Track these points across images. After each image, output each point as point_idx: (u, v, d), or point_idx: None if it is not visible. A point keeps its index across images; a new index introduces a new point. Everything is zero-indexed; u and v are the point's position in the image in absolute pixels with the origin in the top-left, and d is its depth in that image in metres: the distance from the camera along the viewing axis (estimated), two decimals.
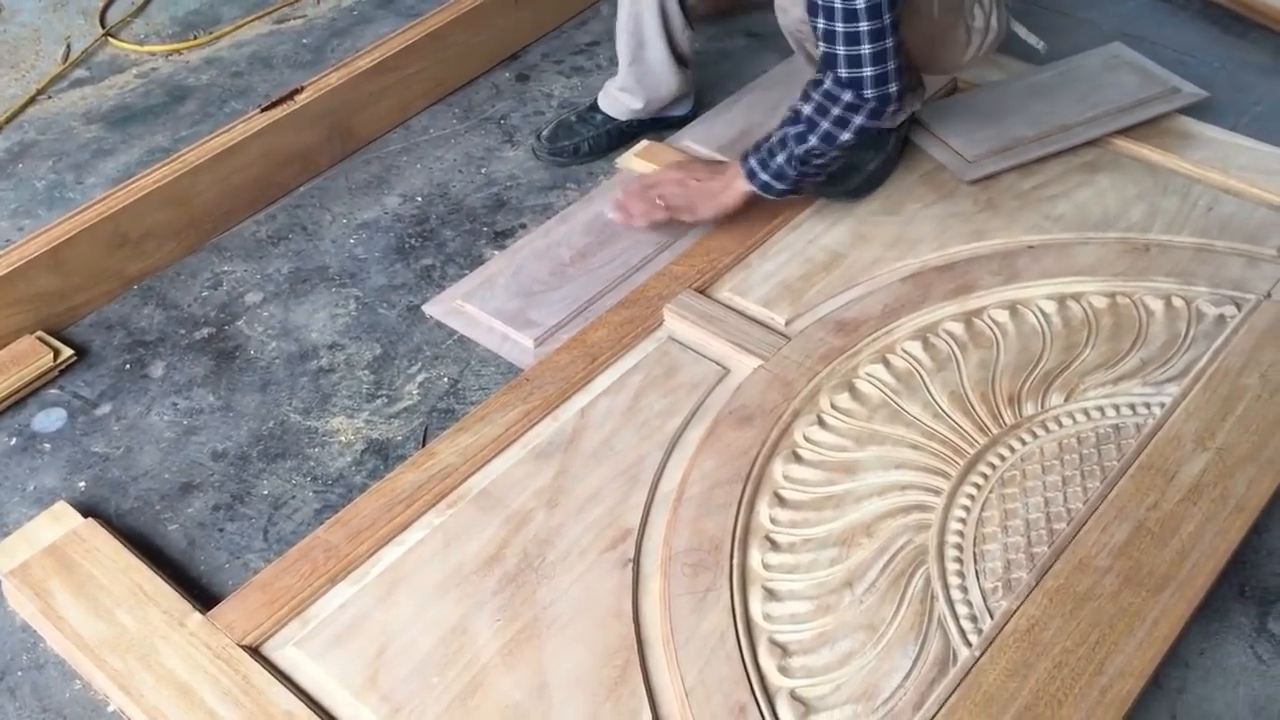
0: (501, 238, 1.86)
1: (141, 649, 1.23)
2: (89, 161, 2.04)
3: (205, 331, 1.72)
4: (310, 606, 1.29)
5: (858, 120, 1.56)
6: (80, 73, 2.27)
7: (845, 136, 1.57)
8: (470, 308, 1.69)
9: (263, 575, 1.31)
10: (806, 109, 1.58)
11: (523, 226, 1.88)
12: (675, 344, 1.58)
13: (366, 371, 1.64)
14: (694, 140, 1.98)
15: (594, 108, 2.01)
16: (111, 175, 2.00)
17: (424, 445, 1.51)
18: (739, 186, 1.68)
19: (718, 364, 1.54)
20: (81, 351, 1.67)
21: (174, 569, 1.39)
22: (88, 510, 1.43)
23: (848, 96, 1.53)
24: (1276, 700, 1.24)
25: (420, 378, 1.63)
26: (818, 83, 1.57)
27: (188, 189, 1.78)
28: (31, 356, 1.61)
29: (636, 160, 1.94)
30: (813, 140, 1.58)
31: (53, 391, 1.62)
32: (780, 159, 1.62)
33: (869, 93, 1.53)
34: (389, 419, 1.58)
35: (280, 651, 1.25)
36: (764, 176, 1.64)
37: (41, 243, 1.65)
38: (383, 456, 1.53)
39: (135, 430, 1.57)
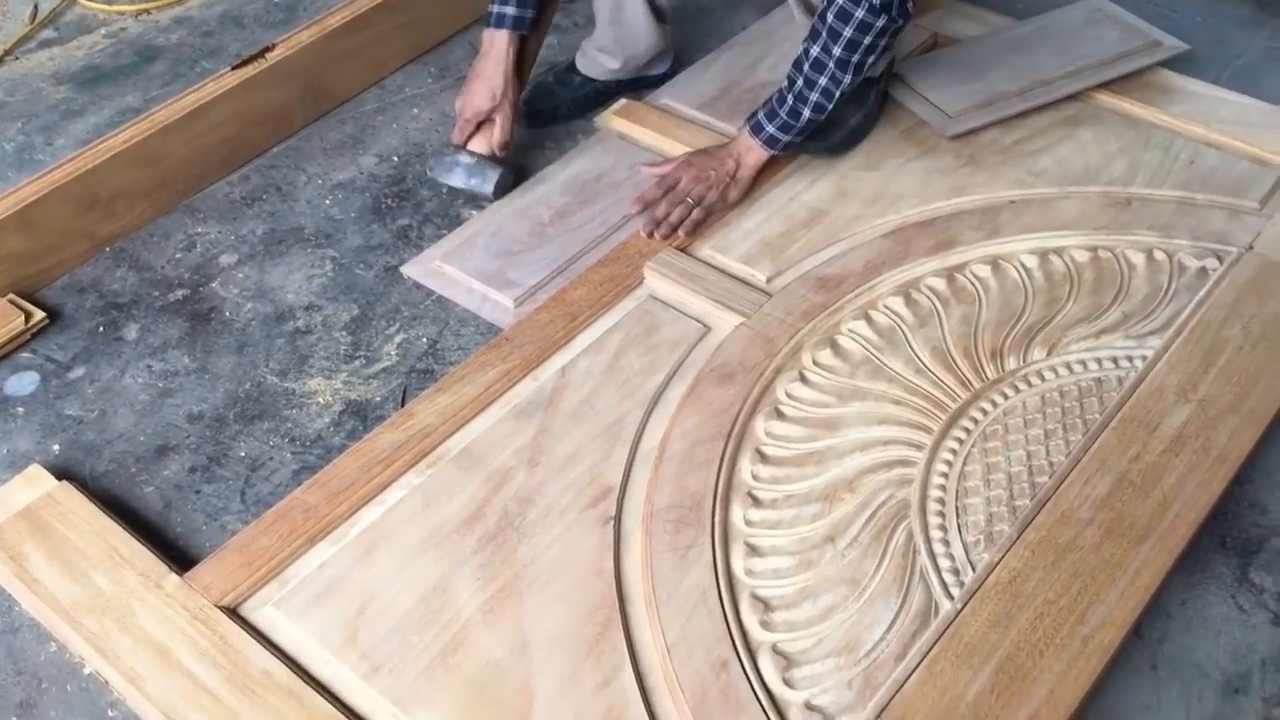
0: (479, 198, 1.84)
1: (118, 611, 1.22)
2: (58, 123, 2.01)
3: (179, 293, 1.69)
4: (289, 567, 1.27)
5: (879, 22, 1.52)
6: (48, 33, 2.23)
7: (868, 41, 1.54)
8: (449, 268, 1.68)
9: (240, 536, 1.30)
10: (815, 47, 1.57)
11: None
12: (656, 302, 1.56)
13: (344, 333, 1.63)
14: (673, 99, 1.95)
15: (571, 68, 1.99)
16: (81, 136, 1.96)
17: (403, 406, 1.50)
18: (755, 159, 1.67)
19: (699, 322, 1.53)
20: (54, 314, 1.64)
21: (150, 531, 1.37)
22: (62, 473, 1.41)
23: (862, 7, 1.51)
24: (1257, 649, 1.25)
25: (399, 338, 1.61)
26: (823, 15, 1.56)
27: (158, 149, 1.75)
28: (3, 320, 1.58)
29: (615, 119, 1.91)
30: (832, 65, 1.56)
31: (25, 355, 1.60)
32: (790, 109, 1.61)
33: None
34: (367, 380, 1.56)
35: (258, 612, 1.24)
36: (786, 138, 1.64)
37: (10, 204, 1.62)
38: (361, 417, 1.51)
39: (109, 393, 1.55)
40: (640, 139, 1.89)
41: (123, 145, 1.71)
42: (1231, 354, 1.44)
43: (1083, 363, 1.46)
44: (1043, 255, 1.60)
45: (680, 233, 1.64)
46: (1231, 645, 1.25)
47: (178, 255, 1.75)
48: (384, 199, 1.83)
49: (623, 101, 1.96)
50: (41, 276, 1.68)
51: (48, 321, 1.63)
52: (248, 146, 1.89)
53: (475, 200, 1.80)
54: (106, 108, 2.03)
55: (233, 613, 1.23)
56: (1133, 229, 1.63)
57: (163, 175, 1.78)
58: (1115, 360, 1.46)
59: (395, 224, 1.79)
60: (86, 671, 1.25)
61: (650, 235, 1.64)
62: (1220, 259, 1.58)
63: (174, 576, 1.25)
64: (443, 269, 1.68)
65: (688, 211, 1.65)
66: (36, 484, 1.37)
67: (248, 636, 1.19)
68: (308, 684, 1.15)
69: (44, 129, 1.99)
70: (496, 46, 1.74)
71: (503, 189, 1.78)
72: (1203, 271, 1.57)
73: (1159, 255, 1.59)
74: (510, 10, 1.72)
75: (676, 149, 1.85)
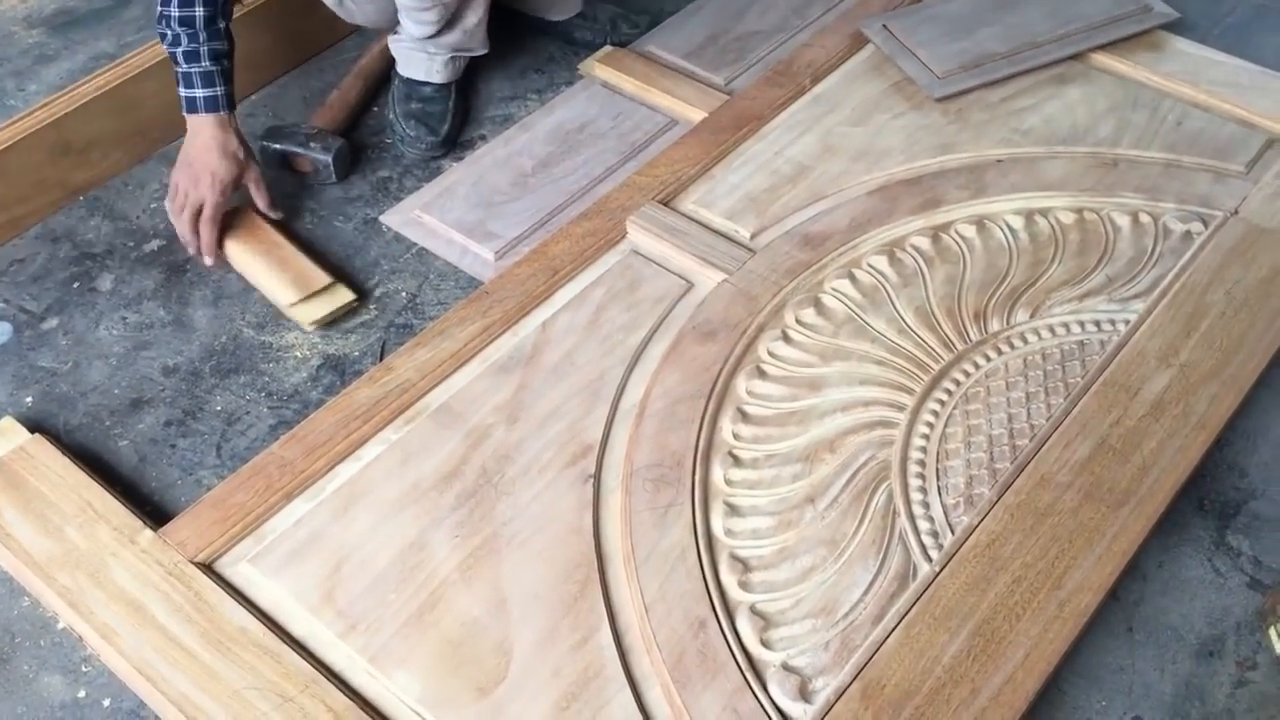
0: (461, 149, 1.81)
1: (91, 566, 1.21)
2: (30, 68, 1.96)
3: (155, 244, 1.66)
4: (265, 523, 1.26)
5: None
6: None
7: None
8: (429, 218, 1.65)
9: (216, 492, 1.28)
10: None
11: (482, 138, 1.83)
12: (638, 257, 1.55)
13: None
14: (659, 47, 1.94)
15: None
16: (54, 82, 1.92)
17: (381, 360, 1.48)
18: None
19: (681, 278, 1.52)
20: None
21: (124, 486, 1.36)
22: (35, 426, 1.39)
23: None
24: (1232, 612, 1.26)
25: (377, 292, 1.60)
26: None
27: (133, 95, 1.71)
28: (332, 297, 1.56)
29: (600, 67, 1.89)
30: None
31: None
32: None
33: None
34: (345, 334, 1.54)
35: (234, 568, 1.23)
36: None
37: None
38: (339, 372, 1.50)
39: (83, 345, 1.53)
40: (624, 88, 1.86)
41: (96, 92, 1.67)
42: (1214, 319, 1.44)
43: (1066, 325, 1.45)
44: (1028, 216, 1.59)
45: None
46: (1207, 608, 1.26)
47: (153, 205, 1.72)
48: (364, 150, 1.80)
49: (607, 49, 1.93)
50: (13, 225, 1.65)
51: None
52: None
53: (318, 174, 1.75)
54: (80, 53, 1.99)
55: (208, 569, 1.22)
56: (1119, 191, 1.62)
57: (137, 123, 1.74)
58: (1098, 324, 1.45)
59: (375, 175, 1.76)
60: (60, 626, 1.24)
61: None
62: (1205, 223, 1.57)
63: (148, 532, 1.24)
64: (422, 219, 1.66)
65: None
66: (9, 436, 1.35)
67: (223, 593, 1.18)
68: (284, 641, 1.15)
69: (15, 74, 1.95)
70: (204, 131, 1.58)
71: (341, 161, 1.74)
72: (1187, 235, 1.56)
73: (1144, 218, 1.58)
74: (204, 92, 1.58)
75: (661, 98, 1.83)
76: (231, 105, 1.59)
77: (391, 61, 1.85)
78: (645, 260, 1.54)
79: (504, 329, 1.45)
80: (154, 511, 1.33)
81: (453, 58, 1.80)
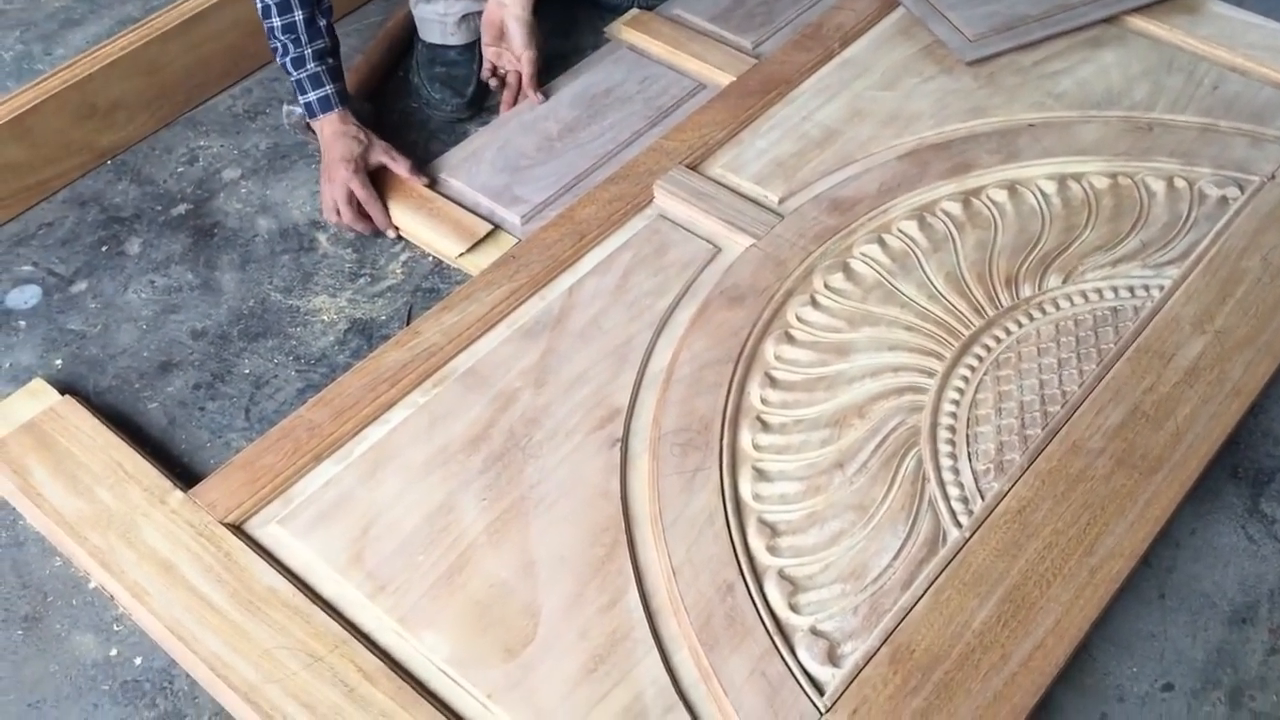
0: (486, 113, 1.80)
1: (122, 526, 1.21)
2: (57, 32, 1.96)
3: (182, 208, 1.67)
4: (293, 485, 1.27)
5: None
6: None
7: None
8: (455, 182, 1.64)
9: (245, 454, 1.29)
10: None
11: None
12: (665, 222, 1.54)
13: (349, 250, 1.60)
14: (685, 10, 1.91)
15: None
16: (80, 46, 1.92)
17: (408, 324, 1.48)
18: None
19: (709, 242, 1.51)
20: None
21: (154, 447, 1.37)
22: (65, 388, 1.40)
23: None
24: (1265, 579, 1.24)
25: (404, 256, 1.59)
26: None
27: (156, 57, 1.71)
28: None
29: (626, 30, 1.87)
30: None
31: (26, 268, 1.58)
32: None
33: None
34: (372, 298, 1.54)
35: (263, 529, 1.23)
36: None
37: (5, 111, 1.58)
38: (366, 336, 1.50)
39: (112, 308, 1.53)
40: (651, 51, 1.85)
41: (119, 53, 1.67)
42: (1250, 285, 1.42)
43: (1099, 291, 1.43)
44: (1061, 181, 1.57)
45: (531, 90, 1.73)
46: (1240, 575, 1.25)
47: (180, 169, 1.72)
48: (389, 115, 1.80)
49: (634, 12, 1.91)
50: (41, 189, 1.65)
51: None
52: (249, 57, 1.84)
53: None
54: (106, 17, 1.98)
55: (238, 530, 1.22)
56: (1153, 155, 1.59)
57: (162, 85, 1.74)
58: (1132, 289, 1.44)
59: (400, 140, 1.75)
60: (91, 585, 1.25)
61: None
62: (1242, 188, 1.55)
63: (178, 493, 1.24)
64: (448, 183, 1.65)
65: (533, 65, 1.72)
66: (39, 398, 1.36)
67: (253, 554, 1.19)
68: (313, 602, 1.15)
69: (43, 38, 1.95)
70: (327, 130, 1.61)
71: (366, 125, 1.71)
72: (1223, 200, 1.54)
73: (1179, 183, 1.56)
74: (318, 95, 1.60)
75: (688, 62, 1.81)
76: (344, 101, 1.61)
77: (415, 25, 1.84)
78: (672, 225, 1.53)
79: (531, 293, 1.45)
80: (183, 473, 1.33)
81: (465, 17, 1.78)
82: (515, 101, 1.75)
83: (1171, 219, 1.52)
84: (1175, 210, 1.53)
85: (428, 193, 1.61)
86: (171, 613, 1.15)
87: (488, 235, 1.57)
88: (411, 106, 1.82)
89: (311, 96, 1.59)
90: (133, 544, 1.20)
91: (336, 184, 1.57)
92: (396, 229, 1.60)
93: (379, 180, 1.61)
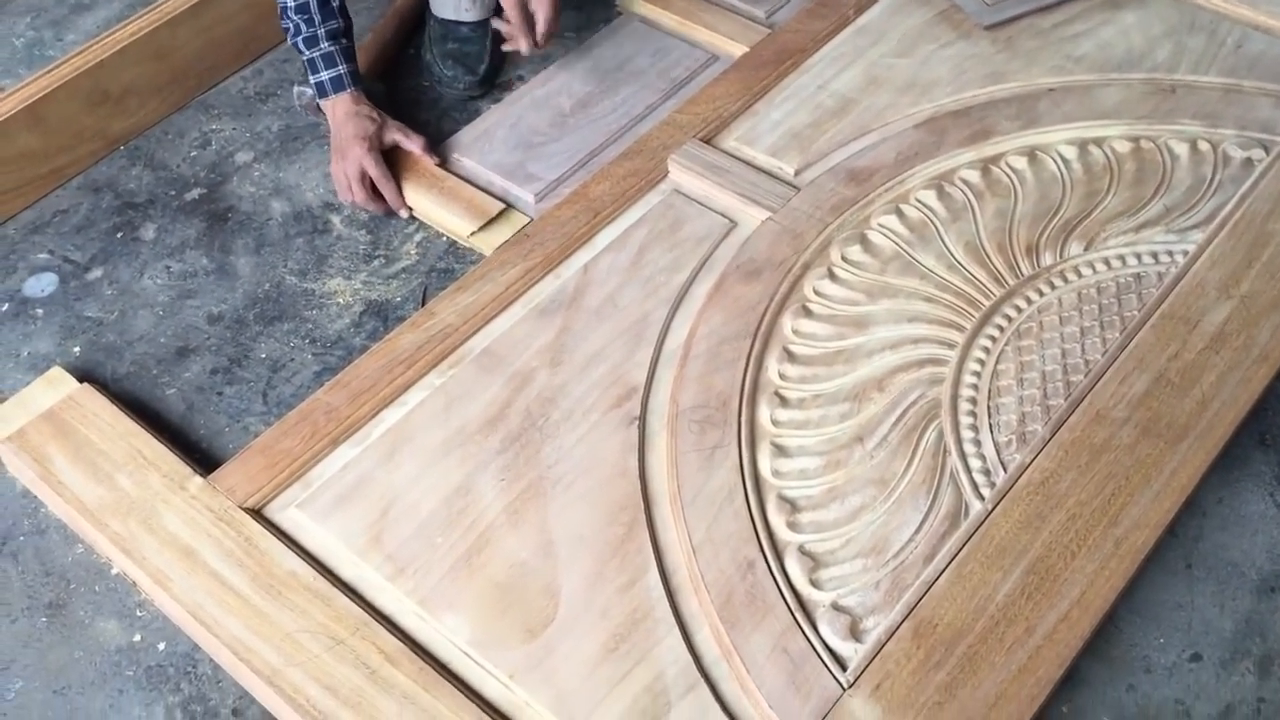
0: (498, 90, 1.79)
1: (142, 513, 1.22)
2: (67, 17, 1.96)
3: (196, 193, 1.66)
4: (312, 469, 1.27)
5: None
6: None
7: None
8: (468, 161, 1.63)
9: (263, 438, 1.29)
10: None
11: (520, 78, 1.80)
12: (680, 196, 1.52)
13: (363, 232, 1.60)
14: None
15: None
16: (91, 31, 1.91)
17: (423, 305, 1.47)
18: None
19: (724, 216, 1.49)
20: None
21: (173, 433, 1.37)
22: (83, 375, 1.40)
23: None
24: None
25: (418, 237, 1.58)
26: None
27: (168, 41, 1.70)
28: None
29: (639, 3, 1.85)
30: None
31: (42, 255, 1.58)
32: None
33: None
34: (387, 280, 1.54)
35: (283, 514, 1.23)
36: None
37: (18, 100, 1.58)
38: (382, 318, 1.49)
39: (128, 294, 1.53)
40: (664, 23, 1.83)
41: (130, 38, 1.66)
42: (1276, 248, 1.39)
43: (1121, 258, 1.41)
44: (1082, 146, 1.54)
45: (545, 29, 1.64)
46: (1268, 543, 1.24)
47: (193, 153, 1.71)
48: (401, 93, 1.78)
49: None
50: (55, 176, 1.65)
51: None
52: (260, 39, 1.83)
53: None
54: (116, 1, 1.97)
55: (257, 514, 1.22)
56: (1176, 118, 1.57)
57: (174, 70, 1.73)
58: (1155, 255, 1.41)
59: (413, 118, 1.74)
60: (114, 572, 1.25)
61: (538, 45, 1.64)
62: (1267, 149, 1.52)
63: (198, 478, 1.24)
64: (461, 162, 1.64)
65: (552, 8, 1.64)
66: (58, 386, 1.36)
67: (272, 538, 1.19)
68: (333, 585, 1.15)
69: (53, 24, 1.94)
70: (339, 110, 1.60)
71: (378, 104, 1.69)
72: (1248, 162, 1.51)
73: (1203, 146, 1.53)
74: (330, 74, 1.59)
75: (701, 34, 1.80)
76: (356, 81, 1.60)
77: (426, 2, 1.83)
78: (687, 200, 1.52)
79: (545, 272, 1.44)
80: (202, 458, 1.33)
81: None
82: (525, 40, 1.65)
83: (1195, 182, 1.49)
84: (1199, 173, 1.50)
85: (440, 172, 1.61)
86: (193, 598, 1.15)
87: (500, 214, 1.56)
88: (423, 84, 1.81)
89: (324, 76, 1.58)
90: (153, 530, 1.20)
91: (350, 162, 1.57)
92: (409, 208, 1.59)
93: (391, 161, 1.60)
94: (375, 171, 1.56)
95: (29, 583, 1.25)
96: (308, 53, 1.58)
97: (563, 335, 1.37)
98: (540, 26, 1.64)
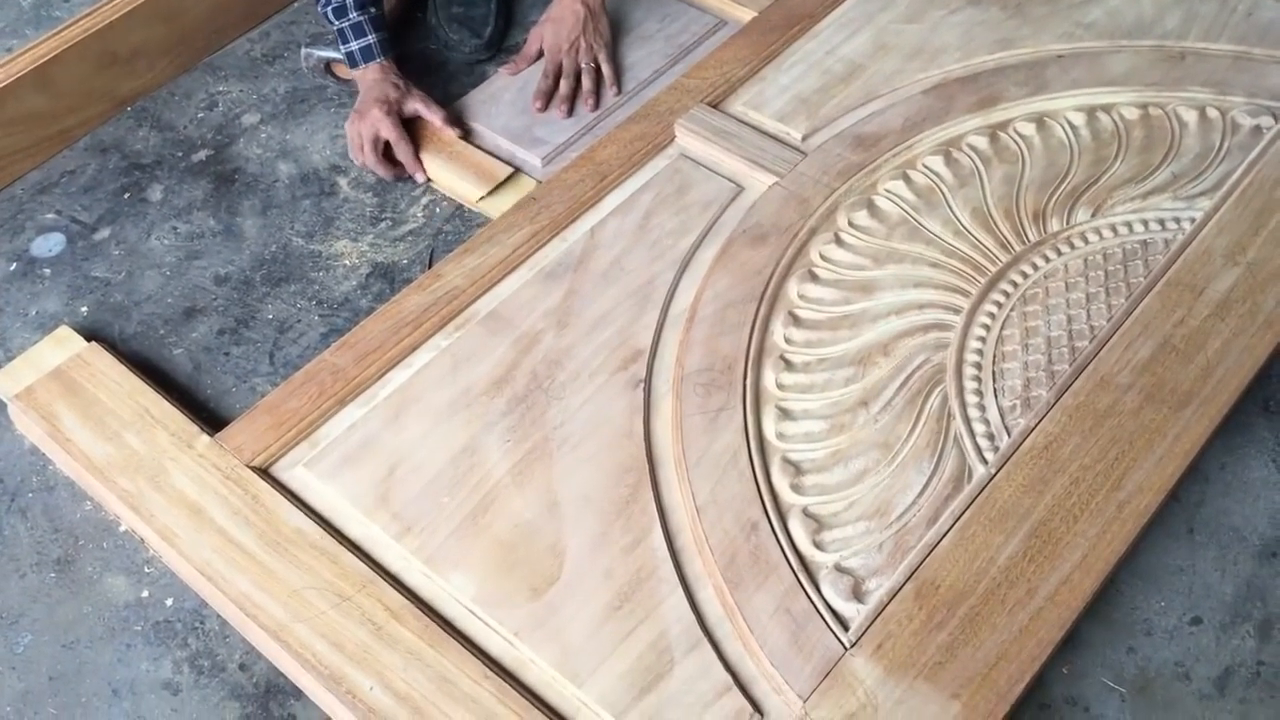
0: (505, 54, 1.78)
1: (151, 470, 1.22)
2: None
3: (203, 154, 1.66)
4: (319, 429, 1.27)
5: None
6: None
7: None
8: (475, 125, 1.63)
9: (270, 398, 1.29)
10: None
11: (526, 43, 1.79)
12: (687, 161, 1.52)
13: (369, 194, 1.60)
14: None
15: None
16: None
17: (430, 267, 1.48)
18: None
19: (731, 181, 1.49)
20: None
21: (180, 392, 1.37)
22: (91, 335, 1.41)
23: None
24: None
25: (425, 200, 1.58)
26: None
27: (175, 4, 1.69)
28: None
29: None
30: None
31: (50, 216, 1.58)
32: None
33: None
34: (394, 242, 1.54)
35: (289, 473, 1.24)
36: None
37: (27, 61, 1.58)
38: (388, 280, 1.49)
39: (136, 254, 1.54)
40: None
41: (138, 0, 1.66)
42: None
43: (1128, 224, 1.41)
44: (1090, 113, 1.54)
45: (610, 92, 1.65)
46: (1270, 509, 1.24)
47: (200, 115, 1.71)
48: (408, 58, 1.78)
49: None
50: (63, 137, 1.65)
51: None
52: (267, 2, 1.83)
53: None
54: None
55: (264, 473, 1.23)
56: (1186, 85, 1.56)
57: (181, 31, 1.73)
58: (1162, 222, 1.41)
59: (419, 82, 1.73)
60: (122, 529, 1.26)
61: (569, 114, 1.63)
62: (1276, 117, 1.51)
63: (205, 437, 1.25)
64: (469, 125, 1.64)
65: (593, 74, 1.64)
66: (66, 345, 1.37)
67: (279, 496, 1.20)
68: (340, 543, 1.16)
69: None
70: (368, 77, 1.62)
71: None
72: (1257, 130, 1.50)
73: (1212, 113, 1.53)
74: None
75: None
76: (386, 51, 1.61)
77: None
78: (694, 164, 1.52)
79: (552, 235, 1.44)
80: (210, 418, 1.34)
81: None
82: (597, 103, 1.65)
83: (1204, 149, 1.49)
84: (1207, 141, 1.50)
85: (449, 136, 1.60)
86: (201, 555, 1.16)
87: (508, 178, 1.56)
88: (430, 49, 1.80)
89: (354, 45, 1.59)
90: (161, 488, 1.21)
91: (366, 123, 1.57)
92: (426, 174, 1.59)
93: (411, 132, 1.60)
94: (392, 134, 1.56)
95: (38, 539, 1.26)
96: (337, 23, 1.58)
97: (569, 298, 1.37)
98: (608, 79, 1.66)
